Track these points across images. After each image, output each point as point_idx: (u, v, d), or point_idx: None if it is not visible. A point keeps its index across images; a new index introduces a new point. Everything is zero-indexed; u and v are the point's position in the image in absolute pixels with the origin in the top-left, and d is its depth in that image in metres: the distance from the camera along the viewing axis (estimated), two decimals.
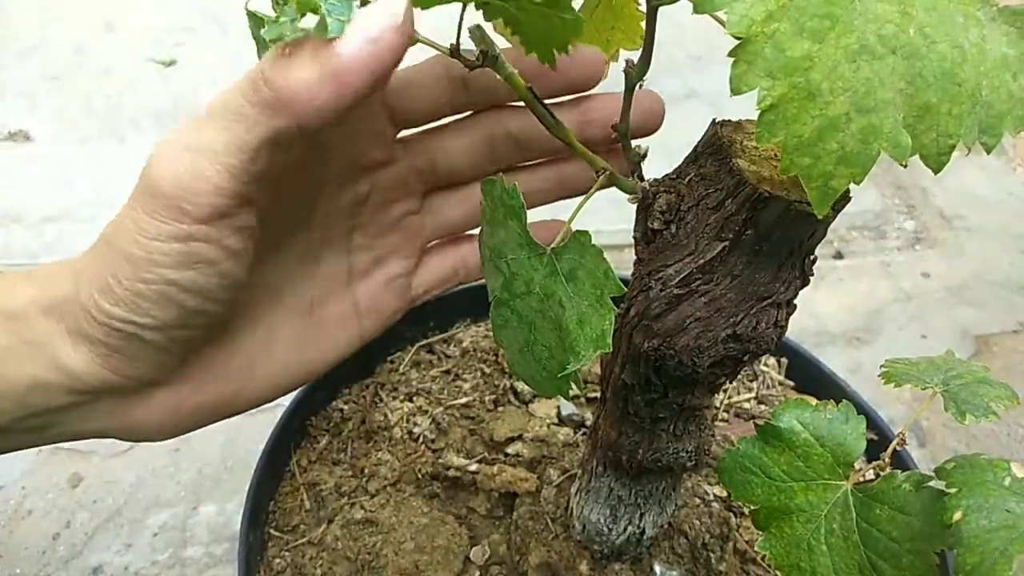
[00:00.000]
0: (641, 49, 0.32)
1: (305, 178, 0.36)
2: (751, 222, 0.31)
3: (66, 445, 0.87)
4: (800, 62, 0.24)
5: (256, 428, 0.87)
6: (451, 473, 0.55)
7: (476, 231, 0.39)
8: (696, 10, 0.24)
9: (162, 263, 0.30)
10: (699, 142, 0.34)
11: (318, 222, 0.38)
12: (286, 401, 0.90)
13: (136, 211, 0.30)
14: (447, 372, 0.62)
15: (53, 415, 0.33)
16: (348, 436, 0.57)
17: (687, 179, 0.33)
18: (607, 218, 0.96)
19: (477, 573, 0.51)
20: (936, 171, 0.26)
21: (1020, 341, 1.04)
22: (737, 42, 0.25)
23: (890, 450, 0.33)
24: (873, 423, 0.60)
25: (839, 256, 1.12)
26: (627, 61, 0.33)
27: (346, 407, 0.59)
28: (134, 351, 0.32)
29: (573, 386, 0.31)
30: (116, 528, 0.78)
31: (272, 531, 0.52)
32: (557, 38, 0.30)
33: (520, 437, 0.57)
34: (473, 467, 0.56)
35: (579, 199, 0.32)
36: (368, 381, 0.61)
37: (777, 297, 0.33)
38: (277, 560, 0.50)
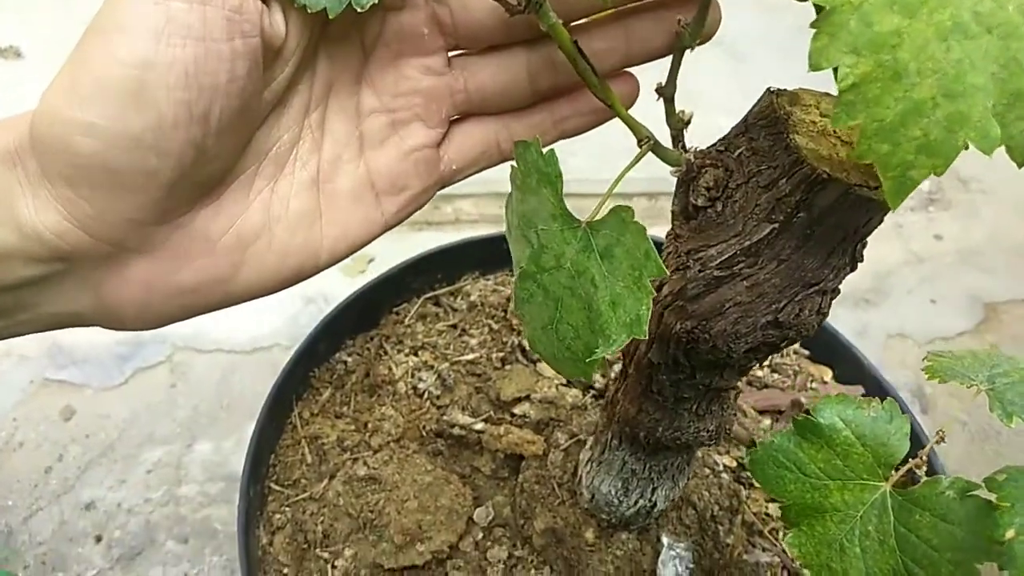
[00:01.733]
0: (698, 6, 0.29)
1: None
2: (805, 204, 0.29)
3: (57, 375, 0.86)
4: (888, 38, 0.22)
5: (254, 366, 0.86)
6: (456, 431, 0.54)
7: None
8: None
9: (148, 31, 0.25)
10: (751, 111, 0.31)
11: (319, 68, 0.33)
12: (285, 340, 0.89)
13: None
14: (454, 327, 0.60)
15: (17, 292, 0.30)
16: (351, 389, 0.56)
17: (737, 153, 0.30)
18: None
19: (480, 534, 0.50)
20: (1021, 165, 0.24)
21: None
22: (817, 12, 0.22)
23: (928, 449, 0.32)
24: (874, 380, 0.58)
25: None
26: (679, 20, 0.30)
27: (350, 359, 0.57)
28: (103, 193, 0.27)
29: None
30: (109, 463, 0.78)
31: (273, 485, 0.51)
32: None
33: (528, 397, 0.55)
34: (478, 426, 0.54)
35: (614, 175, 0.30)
36: (372, 333, 0.59)
37: (825, 284, 0.31)
38: (277, 516, 0.49)
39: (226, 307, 0.33)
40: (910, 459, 0.31)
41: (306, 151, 0.33)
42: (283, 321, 0.88)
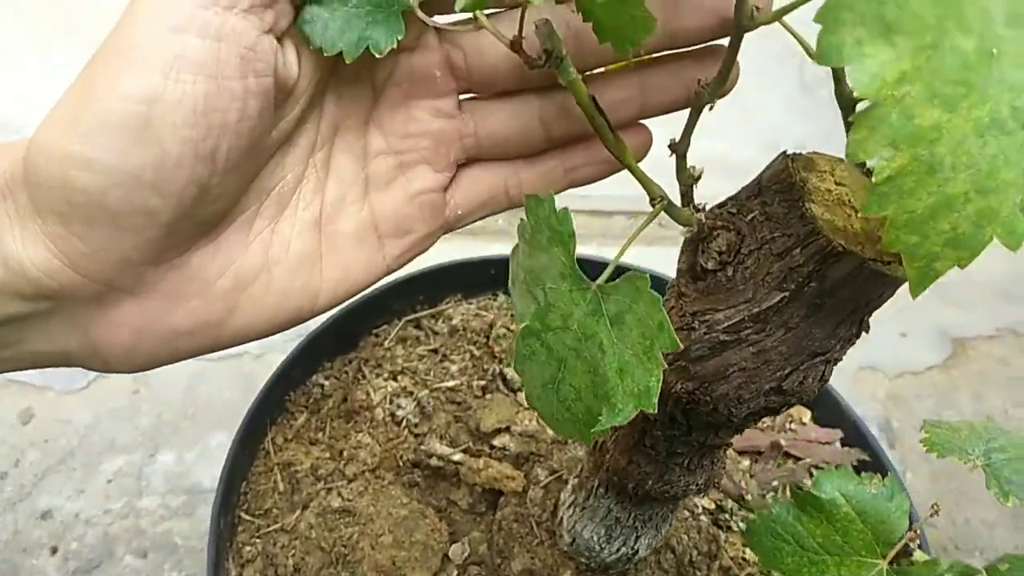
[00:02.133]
0: (719, 66, 0.29)
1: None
2: (817, 275, 0.28)
3: (17, 376, 0.83)
4: (927, 132, 0.21)
5: (222, 374, 0.84)
6: (433, 462, 0.53)
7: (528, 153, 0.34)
8: (819, 61, 0.21)
9: (157, 66, 0.25)
10: (764, 174, 0.30)
11: (328, 107, 0.32)
12: (255, 348, 0.87)
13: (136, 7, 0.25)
14: (434, 351, 0.59)
15: (1, 330, 0.28)
16: (327, 414, 0.54)
17: (750, 217, 0.30)
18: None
19: (455, 572, 0.49)
20: None
21: (997, 346, 1.05)
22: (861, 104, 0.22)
23: (921, 523, 0.31)
24: (852, 424, 0.59)
25: None
26: (698, 80, 0.29)
27: (327, 382, 0.56)
28: (98, 231, 0.26)
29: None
30: (68, 471, 0.75)
31: (243, 514, 0.49)
32: (635, 36, 0.26)
33: (508, 429, 0.54)
34: (457, 457, 0.53)
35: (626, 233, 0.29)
36: (351, 356, 0.58)
37: (831, 354, 0.31)
38: (248, 548, 0.47)
39: (217, 351, 0.31)
40: (906, 533, 0.31)
41: (309, 191, 0.32)
42: None
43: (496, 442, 0.54)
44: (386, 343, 0.60)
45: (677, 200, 0.31)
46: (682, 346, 0.25)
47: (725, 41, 0.32)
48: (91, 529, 0.72)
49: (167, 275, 0.28)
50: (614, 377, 0.27)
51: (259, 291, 0.30)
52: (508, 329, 0.60)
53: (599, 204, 1.05)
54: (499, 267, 0.63)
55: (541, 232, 0.28)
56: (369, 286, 0.33)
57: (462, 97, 0.33)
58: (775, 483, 0.54)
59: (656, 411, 0.26)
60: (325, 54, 0.28)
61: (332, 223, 0.32)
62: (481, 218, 0.35)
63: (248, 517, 0.49)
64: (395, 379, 0.57)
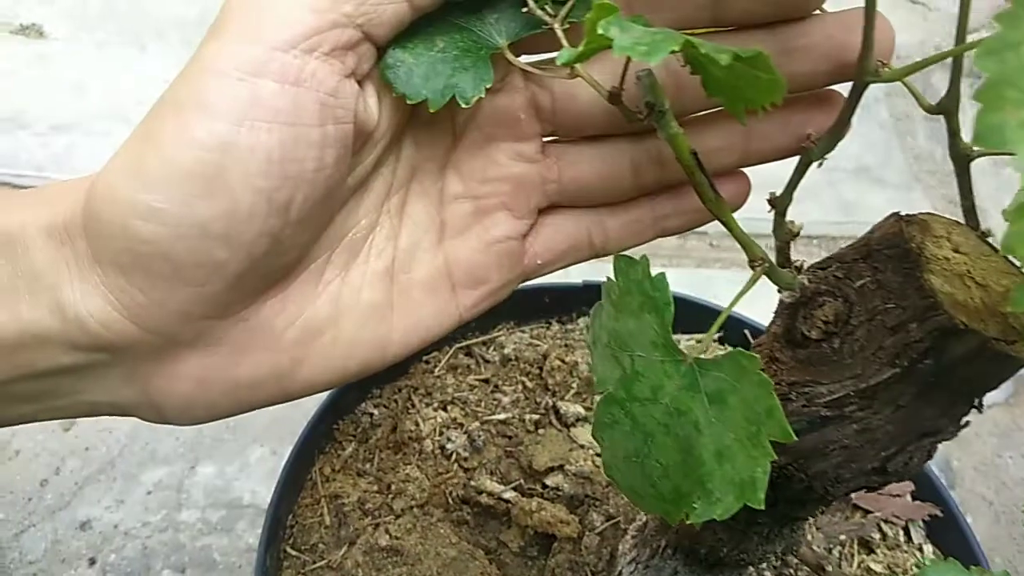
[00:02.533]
0: (831, 118, 0.26)
1: None
2: (934, 352, 0.26)
3: None
4: None
5: None
6: (483, 500, 0.51)
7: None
8: (978, 142, 0.18)
9: (231, 112, 0.23)
10: (874, 235, 0.28)
11: (405, 151, 0.30)
12: None
13: (212, 44, 0.24)
14: (486, 381, 0.57)
15: (54, 379, 0.26)
16: (376, 445, 0.53)
17: (859, 283, 0.27)
18: None
19: None
20: None
21: None
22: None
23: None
24: (935, 489, 0.55)
25: None
26: (808, 134, 0.27)
27: (376, 411, 0.54)
28: (160, 283, 0.25)
29: None
30: (108, 481, 0.74)
31: (289, 549, 0.47)
32: (756, 98, 0.24)
33: (561, 468, 0.52)
34: (508, 495, 0.51)
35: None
36: (401, 383, 0.56)
37: (942, 435, 0.28)
38: None
39: (280, 403, 0.29)
40: None
41: (383, 238, 0.30)
42: None
43: (549, 481, 0.52)
44: (436, 371, 0.58)
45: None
46: (796, 438, 0.23)
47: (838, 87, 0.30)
48: (130, 541, 0.71)
49: (232, 328, 0.27)
50: (711, 461, 0.25)
51: (327, 342, 0.29)
52: (562, 361, 0.58)
53: None
54: (554, 295, 0.61)
55: (631, 296, 0.26)
56: (440, 336, 0.31)
57: (546, 140, 0.31)
58: (842, 537, 0.51)
59: (763, 506, 0.23)
60: (409, 102, 0.27)
61: (405, 271, 0.30)
62: (561, 268, 0.33)
63: (294, 552, 0.47)
64: (445, 409, 0.55)
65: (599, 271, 0.80)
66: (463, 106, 0.27)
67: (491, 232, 0.31)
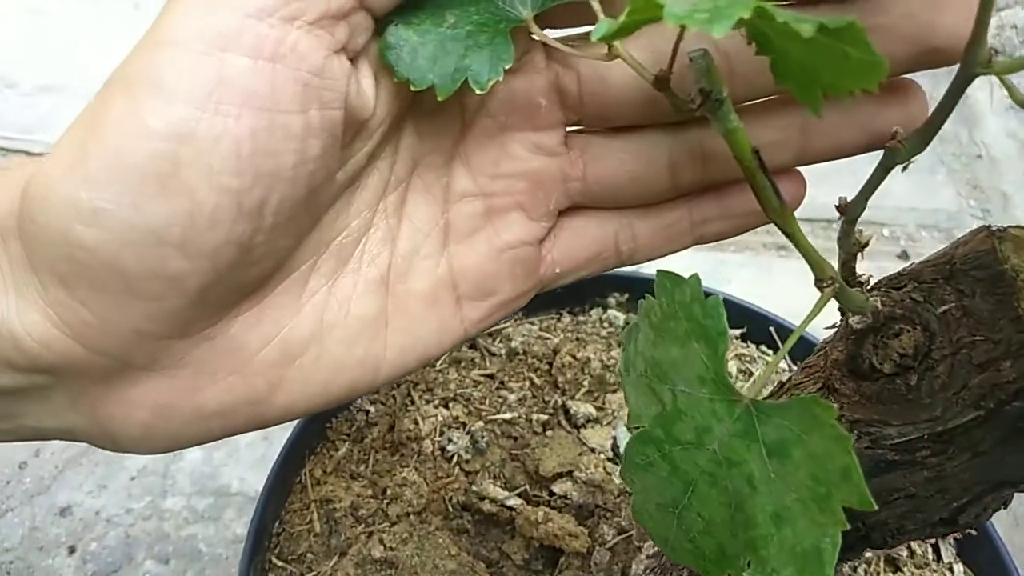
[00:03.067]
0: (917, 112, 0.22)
1: None
2: None
3: None
4: None
5: None
6: (485, 506, 0.47)
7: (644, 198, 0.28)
8: None
9: (191, 93, 0.19)
10: (958, 251, 0.24)
11: (405, 141, 0.26)
12: None
13: (172, 10, 0.20)
14: (491, 377, 0.54)
15: None
16: (371, 445, 0.49)
17: (942, 310, 0.23)
18: None
19: None
20: None
21: None
22: None
23: None
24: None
25: (904, 256, 1.03)
26: (895, 131, 0.23)
27: (372, 408, 0.51)
28: (107, 298, 0.21)
29: None
30: (90, 465, 0.71)
31: (275, 559, 0.44)
32: (842, 83, 0.20)
33: (570, 474, 0.49)
34: (512, 502, 0.48)
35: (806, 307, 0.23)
36: (400, 379, 0.52)
37: (1022, 484, 0.24)
38: None
39: (255, 430, 0.26)
40: None
41: (377, 242, 0.26)
42: None
43: (557, 488, 0.48)
44: (438, 364, 0.54)
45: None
46: (876, 506, 0.19)
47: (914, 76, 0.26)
48: (112, 529, 0.68)
49: (197, 348, 0.23)
50: (766, 523, 0.21)
51: (310, 363, 0.25)
52: (573, 357, 0.54)
53: None
54: (567, 286, 0.57)
55: (676, 320, 0.22)
56: (442, 355, 0.27)
57: (569, 129, 0.27)
58: (868, 554, 0.48)
59: None
60: (413, 88, 0.22)
61: (402, 281, 0.26)
62: (583, 277, 0.29)
63: (280, 563, 0.44)
64: (446, 407, 0.52)
65: None
66: (477, 92, 0.22)
67: (503, 236, 0.27)
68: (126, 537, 0.67)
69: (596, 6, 0.23)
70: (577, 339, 0.56)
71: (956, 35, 0.22)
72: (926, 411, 0.23)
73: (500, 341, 0.56)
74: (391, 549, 0.45)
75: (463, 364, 0.54)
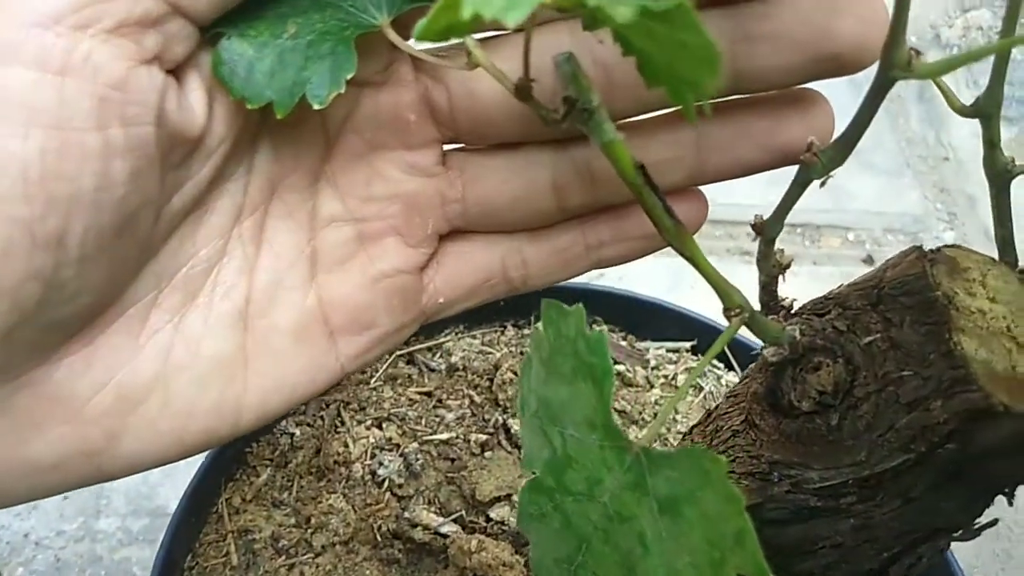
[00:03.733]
0: (843, 132, 0.20)
1: None
2: (961, 437, 0.20)
3: None
4: None
5: None
6: (418, 534, 0.45)
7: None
8: None
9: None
10: (887, 274, 0.21)
11: (259, 160, 0.23)
12: None
13: None
14: (428, 395, 0.51)
15: None
16: (296, 470, 0.46)
17: (867, 341, 0.21)
18: None
19: None
20: None
21: None
22: None
23: None
24: None
25: (869, 261, 1.01)
26: (811, 143, 0.20)
27: (298, 431, 0.48)
28: None
29: None
30: None
31: None
32: (691, 76, 0.17)
33: (508, 498, 0.46)
34: (446, 528, 0.45)
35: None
36: (330, 397, 0.49)
37: (959, 531, 0.22)
38: None
39: (100, 483, 0.23)
40: None
41: (232, 272, 0.23)
42: None
43: (493, 514, 0.46)
44: (372, 382, 0.51)
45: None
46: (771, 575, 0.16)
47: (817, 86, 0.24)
48: (41, 552, 0.65)
49: (16, 395, 0.20)
50: None
51: (155, 410, 0.22)
52: (515, 373, 0.51)
53: None
54: (510, 298, 0.54)
55: (563, 356, 0.19)
56: (316, 395, 0.25)
57: (448, 147, 0.25)
58: None
59: None
60: (249, 106, 0.20)
61: (263, 316, 0.23)
62: (472, 306, 0.27)
63: None
64: (380, 427, 0.49)
65: None
66: (316, 106, 0.20)
67: (378, 264, 0.24)
68: (56, 561, 0.64)
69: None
70: (521, 353, 0.53)
71: (856, 41, 0.20)
72: (849, 454, 0.21)
73: (440, 356, 0.53)
74: None
75: (399, 381, 0.51)
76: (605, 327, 0.56)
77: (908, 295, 0.20)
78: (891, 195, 1.03)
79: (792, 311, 0.23)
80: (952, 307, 0.20)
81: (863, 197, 1.00)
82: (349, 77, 0.20)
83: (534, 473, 0.21)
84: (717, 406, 0.28)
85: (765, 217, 0.22)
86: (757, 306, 0.22)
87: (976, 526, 0.22)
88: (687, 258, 0.20)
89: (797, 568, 0.23)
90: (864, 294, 0.21)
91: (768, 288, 0.23)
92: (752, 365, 0.24)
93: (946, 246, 0.22)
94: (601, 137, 0.17)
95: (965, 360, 0.19)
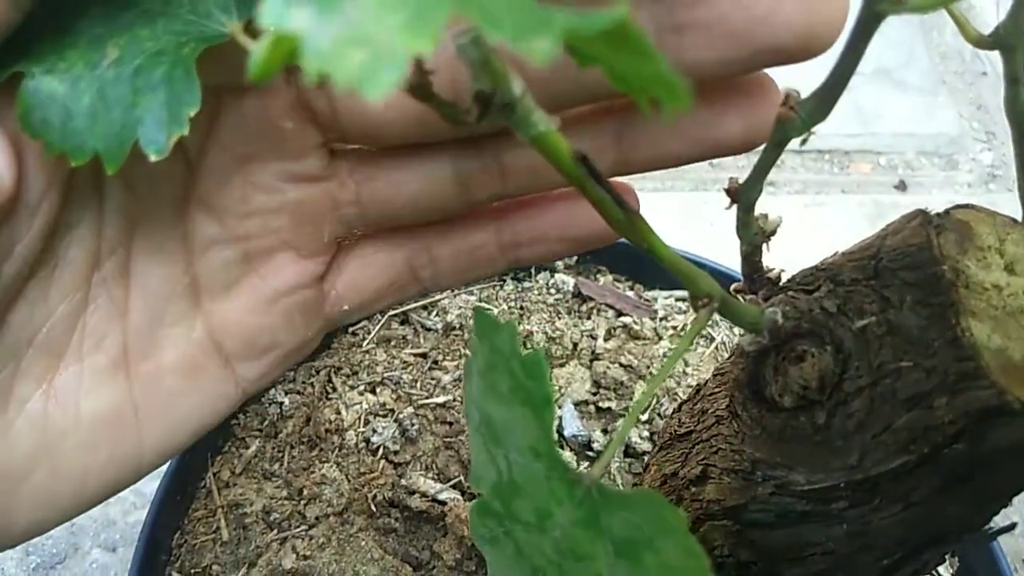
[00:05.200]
0: (825, 79, 0.16)
1: None
2: (969, 437, 0.17)
3: None
4: None
5: None
6: (415, 502, 0.43)
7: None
8: None
9: None
10: (887, 242, 0.18)
11: (110, 198, 0.21)
12: None
13: None
14: (423, 356, 0.49)
15: None
16: (286, 440, 0.45)
17: (860, 324, 0.18)
18: None
19: None
20: None
21: None
22: None
23: None
24: None
25: (902, 187, 0.96)
26: (788, 95, 0.17)
27: (287, 399, 0.46)
28: None
29: None
30: None
31: (175, 573, 0.40)
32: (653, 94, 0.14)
33: None
34: (445, 495, 0.43)
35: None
36: (320, 363, 0.48)
37: (965, 535, 0.19)
38: None
39: (8, 549, 0.21)
40: None
41: (101, 321, 0.21)
42: None
43: None
44: (365, 344, 0.49)
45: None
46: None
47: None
48: None
49: None
50: None
51: (45, 479, 0.20)
52: None
53: None
54: None
55: (499, 374, 0.17)
56: (221, 420, 0.23)
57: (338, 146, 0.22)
58: None
59: None
60: (73, 163, 0.17)
61: (146, 359, 0.21)
62: (380, 308, 0.25)
63: None
64: (373, 392, 0.47)
65: None
66: (153, 157, 0.17)
67: (270, 283, 0.22)
68: (70, 526, 0.64)
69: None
70: (521, 308, 0.51)
71: (802, 30, 0.17)
72: (839, 456, 0.18)
73: (436, 315, 0.51)
74: (305, 557, 0.41)
75: (393, 343, 0.49)
76: (610, 276, 0.53)
77: (909, 269, 0.17)
78: (924, 115, 0.97)
79: (779, 284, 0.20)
80: (960, 284, 0.17)
81: (894, 118, 0.95)
82: (192, 113, 0.16)
83: (480, 495, 0.19)
84: (705, 383, 0.25)
85: (739, 181, 0.19)
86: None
87: (990, 530, 0.19)
88: (645, 249, 0.17)
89: (786, 575, 0.20)
90: (860, 266, 0.18)
91: (750, 259, 0.20)
92: (736, 344, 0.22)
93: (957, 206, 0.18)
94: (529, 131, 0.14)
95: (975, 350, 0.16)
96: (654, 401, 0.46)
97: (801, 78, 0.18)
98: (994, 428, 0.16)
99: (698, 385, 0.26)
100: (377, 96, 0.08)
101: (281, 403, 0.46)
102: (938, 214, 0.18)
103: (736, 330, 0.50)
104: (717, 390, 0.23)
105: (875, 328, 0.17)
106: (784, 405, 0.18)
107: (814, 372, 0.17)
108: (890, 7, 0.14)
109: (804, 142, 0.17)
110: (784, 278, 0.21)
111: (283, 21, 0.09)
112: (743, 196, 0.18)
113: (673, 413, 0.28)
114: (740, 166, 0.88)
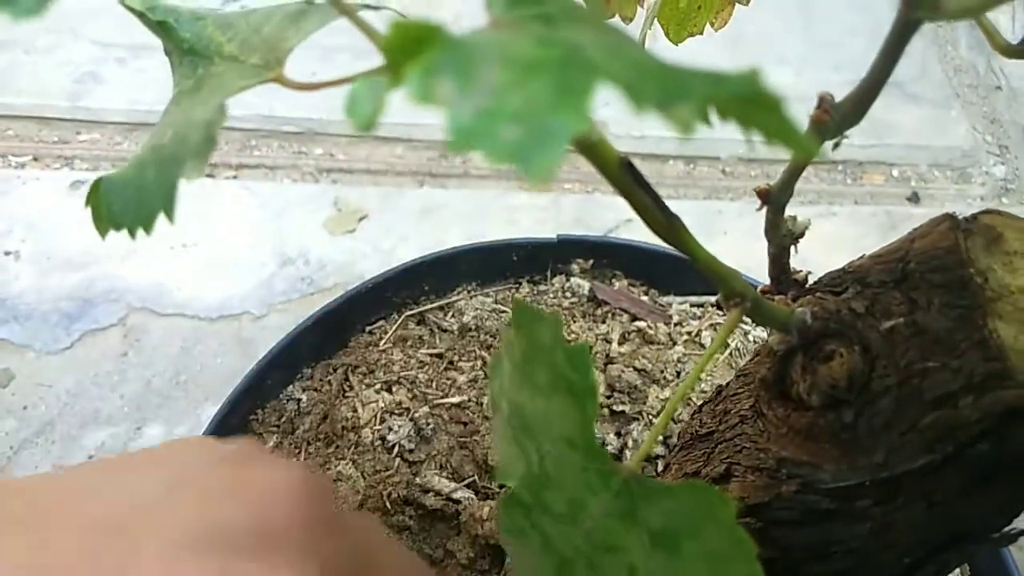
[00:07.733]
0: (859, 85, 0.17)
1: None
2: (995, 437, 0.17)
3: None
4: None
5: (217, 338, 0.75)
6: (429, 500, 0.43)
7: None
8: None
9: None
10: (914, 246, 0.19)
11: None
12: (256, 308, 0.78)
13: None
14: (439, 356, 0.49)
15: None
16: (303, 437, 0.45)
17: (888, 326, 0.18)
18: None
19: None
20: None
21: None
22: None
23: None
24: None
25: (914, 199, 0.96)
26: (822, 98, 0.17)
27: (304, 396, 0.46)
28: None
29: None
30: (46, 444, 0.68)
31: None
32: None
33: None
34: (459, 495, 0.44)
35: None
36: (337, 361, 0.48)
37: (988, 541, 0.20)
38: None
39: None
40: None
41: None
42: (255, 284, 0.77)
43: None
44: (382, 343, 0.49)
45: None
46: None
47: None
48: None
49: None
50: None
51: None
52: None
53: (654, 147, 0.92)
54: (524, 253, 0.52)
55: (538, 365, 0.17)
56: None
57: None
58: None
59: None
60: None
61: None
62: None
63: None
64: (389, 391, 0.47)
65: (579, 223, 0.68)
66: None
67: None
68: None
69: None
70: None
71: None
72: (865, 454, 0.18)
73: (452, 316, 0.51)
74: None
75: (409, 343, 0.50)
76: (625, 281, 0.53)
77: (937, 272, 0.18)
78: (938, 128, 0.97)
79: (806, 285, 0.21)
80: (988, 287, 0.17)
81: (907, 130, 0.95)
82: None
83: (508, 489, 0.19)
84: (728, 384, 0.26)
85: (771, 184, 0.19)
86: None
87: (1012, 531, 0.19)
88: (684, 252, 0.17)
89: (808, 572, 0.21)
90: (887, 268, 0.19)
91: (778, 261, 0.20)
92: (761, 343, 0.22)
93: (984, 212, 0.19)
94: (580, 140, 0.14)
95: (1002, 351, 0.16)
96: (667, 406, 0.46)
97: (830, 84, 0.18)
98: (1019, 428, 0.17)
99: (719, 387, 0.27)
100: (539, 177, 0.08)
101: (299, 400, 0.46)
102: (965, 218, 0.18)
103: (750, 337, 0.51)
104: (740, 391, 0.24)
105: (903, 329, 0.18)
106: (812, 404, 0.19)
107: (843, 371, 0.18)
108: (926, 14, 0.14)
109: (836, 146, 0.17)
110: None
111: (427, 95, 0.09)
112: (774, 198, 0.19)
113: (692, 415, 0.28)
114: (753, 175, 0.89)
